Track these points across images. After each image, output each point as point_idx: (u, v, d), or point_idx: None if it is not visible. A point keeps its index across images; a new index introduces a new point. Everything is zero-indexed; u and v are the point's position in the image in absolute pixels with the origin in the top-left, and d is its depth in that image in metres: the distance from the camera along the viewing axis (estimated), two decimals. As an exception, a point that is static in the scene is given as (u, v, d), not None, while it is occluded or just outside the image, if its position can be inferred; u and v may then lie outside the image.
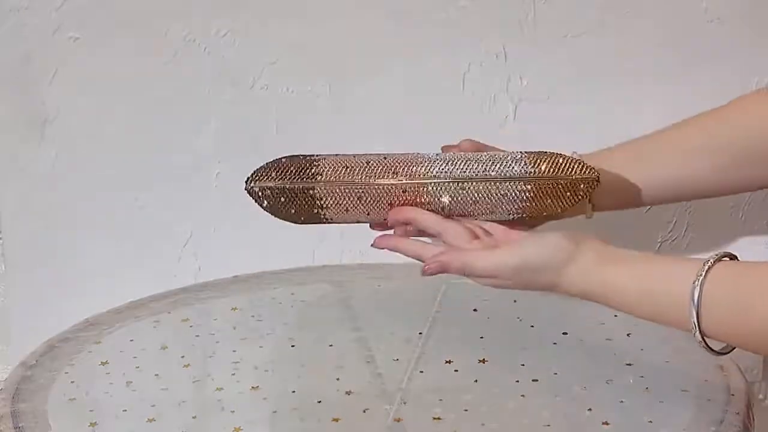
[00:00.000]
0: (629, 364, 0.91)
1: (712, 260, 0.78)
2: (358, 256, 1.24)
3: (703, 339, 0.78)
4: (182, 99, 1.27)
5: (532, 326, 1.00)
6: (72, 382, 0.90)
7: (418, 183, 0.94)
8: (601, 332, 0.97)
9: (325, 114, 1.28)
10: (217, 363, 0.94)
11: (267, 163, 0.97)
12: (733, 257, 0.80)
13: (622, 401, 0.84)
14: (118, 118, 1.27)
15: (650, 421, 0.81)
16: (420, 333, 0.99)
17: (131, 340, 0.99)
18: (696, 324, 0.77)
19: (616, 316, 1.01)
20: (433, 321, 1.02)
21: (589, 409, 0.83)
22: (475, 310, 1.04)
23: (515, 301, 1.06)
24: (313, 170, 0.94)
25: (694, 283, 0.77)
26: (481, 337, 0.97)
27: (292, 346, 0.97)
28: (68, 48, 1.24)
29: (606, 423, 0.81)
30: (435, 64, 1.27)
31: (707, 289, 0.77)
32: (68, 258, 1.31)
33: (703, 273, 0.77)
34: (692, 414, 0.82)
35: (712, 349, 0.80)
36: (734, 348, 0.81)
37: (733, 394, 0.84)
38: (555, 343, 0.96)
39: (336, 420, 0.82)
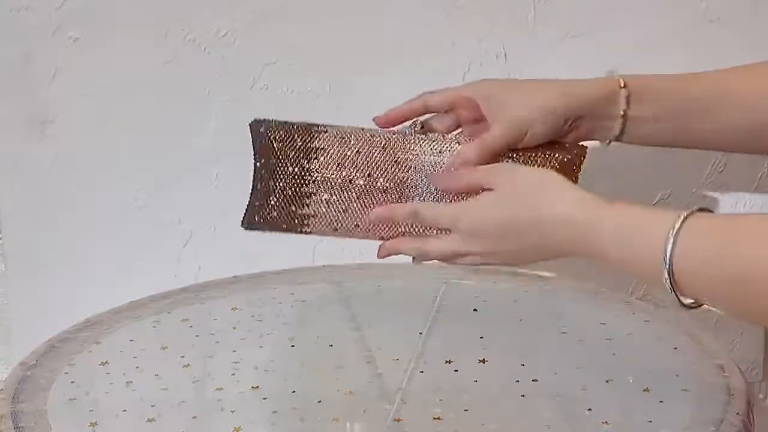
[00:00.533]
0: (629, 364, 0.91)
1: (688, 212, 0.78)
2: (358, 256, 1.24)
3: (672, 285, 0.78)
4: (182, 99, 1.27)
5: (532, 326, 1.00)
6: (72, 382, 0.90)
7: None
8: (601, 332, 0.97)
9: (325, 114, 1.27)
10: (217, 363, 0.94)
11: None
12: (708, 211, 0.80)
13: (622, 401, 0.84)
14: (118, 118, 1.27)
15: (650, 421, 0.81)
16: (420, 333, 0.99)
17: (131, 340, 0.99)
18: (668, 263, 0.77)
19: (616, 316, 1.01)
20: (433, 321, 1.02)
21: (589, 409, 0.83)
22: (475, 310, 1.04)
23: (515, 301, 1.06)
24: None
25: (669, 231, 0.78)
26: (481, 337, 0.97)
27: (292, 346, 0.97)
28: (68, 48, 1.24)
29: (606, 423, 0.81)
30: (435, 64, 1.27)
31: (682, 235, 0.77)
32: (68, 258, 1.31)
33: (680, 221, 0.78)
34: (692, 414, 0.82)
35: (679, 299, 0.79)
36: (701, 305, 0.80)
37: (733, 394, 0.84)
38: (555, 343, 0.96)
39: (336, 420, 0.82)
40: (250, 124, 0.99)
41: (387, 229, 0.96)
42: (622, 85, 0.97)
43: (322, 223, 0.97)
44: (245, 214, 0.99)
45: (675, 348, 0.93)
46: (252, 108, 1.27)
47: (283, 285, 1.13)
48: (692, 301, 0.80)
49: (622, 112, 0.97)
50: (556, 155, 0.97)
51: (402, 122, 0.99)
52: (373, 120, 0.99)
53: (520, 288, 1.09)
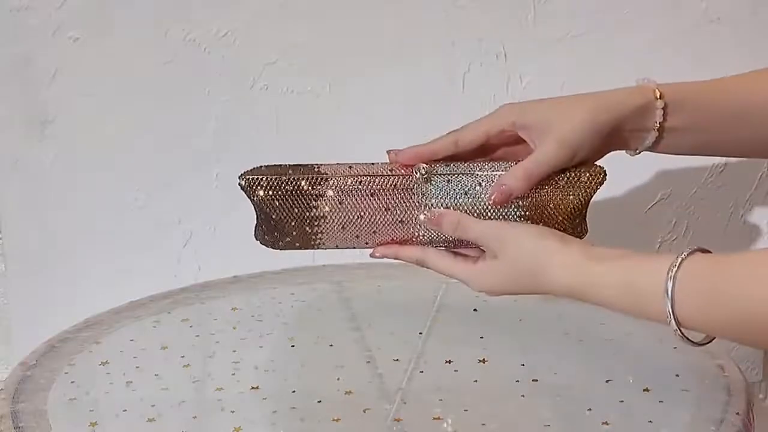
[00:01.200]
0: (629, 364, 0.91)
1: (685, 253, 0.78)
2: (358, 256, 1.24)
3: (680, 329, 0.78)
4: (182, 99, 1.27)
5: (532, 326, 1.00)
6: (72, 382, 0.90)
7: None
8: (601, 332, 0.97)
9: (325, 114, 1.28)
10: (217, 363, 0.94)
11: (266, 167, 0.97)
12: (706, 251, 0.79)
13: (622, 401, 0.84)
14: (118, 118, 1.27)
15: (650, 421, 0.81)
16: (420, 333, 0.99)
17: (131, 340, 0.99)
18: (671, 314, 0.77)
19: (616, 316, 1.01)
20: (433, 321, 1.02)
21: (589, 409, 0.83)
22: (475, 310, 1.04)
23: (515, 300, 1.06)
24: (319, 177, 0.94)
25: (668, 274, 0.77)
26: (481, 337, 0.97)
27: (292, 346, 0.97)
28: (68, 48, 1.24)
29: (606, 423, 0.81)
30: (435, 64, 1.27)
31: (680, 278, 0.77)
32: (68, 258, 1.31)
33: (677, 264, 0.77)
34: (692, 414, 0.82)
35: (690, 340, 0.79)
36: (713, 339, 0.81)
37: (733, 394, 0.84)
38: (555, 343, 0.96)
39: (336, 420, 0.82)
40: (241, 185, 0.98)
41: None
42: (658, 96, 0.92)
43: (332, 239, 0.96)
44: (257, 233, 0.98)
45: (675, 348, 0.93)
46: (252, 108, 1.27)
47: (283, 285, 1.13)
48: (704, 337, 0.80)
49: (657, 125, 0.93)
50: (581, 178, 0.93)
51: (428, 160, 0.93)
52: (389, 154, 0.95)
53: (520, 288, 1.09)
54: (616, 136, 0.93)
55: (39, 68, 1.25)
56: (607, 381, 0.88)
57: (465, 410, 0.83)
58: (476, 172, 0.92)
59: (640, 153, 0.97)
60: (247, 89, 1.27)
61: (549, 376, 0.89)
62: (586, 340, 0.96)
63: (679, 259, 0.77)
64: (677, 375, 0.88)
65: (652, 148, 0.96)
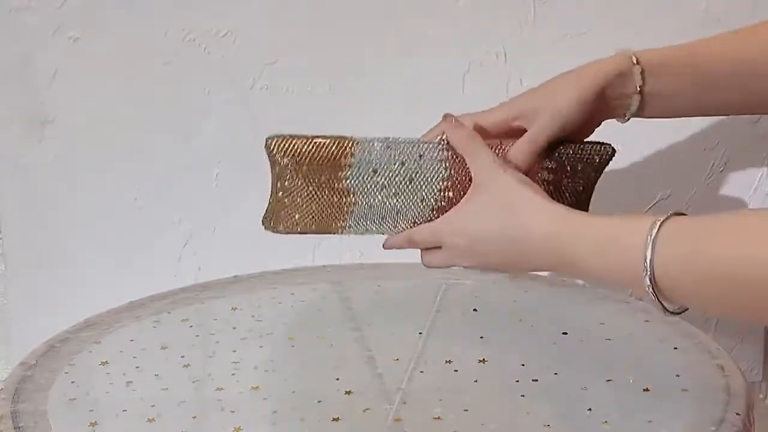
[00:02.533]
0: (629, 364, 0.91)
1: (669, 213, 0.78)
2: (358, 256, 1.24)
3: (654, 288, 0.77)
4: (182, 99, 1.27)
5: (532, 326, 1.00)
6: (72, 382, 0.90)
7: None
8: (601, 332, 0.97)
9: (325, 114, 1.28)
10: (217, 363, 0.94)
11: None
12: (684, 214, 0.80)
13: (622, 401, 0.84)
14: (118, 118, 1.27)
15: (650, 421, 0.81)
16: (420, 333, 0.99)
17: (131, 340, 0.99)
18: (648, 268, 0.77)
19: (616, 316, 1.01)
20: (433, 321, 1.02)
21: (589, 409, 0.83)
22: (475, 310, 1.04)
23: (515, 301, 1.06)
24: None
25: (649, 230, 0.77)
26: (481, 337, 0.97)
27: (292, 346, 0.97)
28: (68, 48, 1.24)
29: (606, 423, 0.81)
30: (435, 64, 1.27)
31: (662, 235, 0.77)
32: (68, 258, 1.31)
33: (660, 222, 0.77)
34: (692, 414, 0.82)
35: (663, 306, 0.79)
36: (686, 310, 0.80)
37: (733, 394, 0.84)
38: (555, 343, 0.96)
39: (336, 420, 0.82)
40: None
41: None
42: (635, 62, 0.97)
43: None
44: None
45: (675, 348, 0.93)
46: (252, 108, 1.27)
47: (283, 285, 1.13)
48: (677, 306, 0.80)
49: (638, 89, 0.97)
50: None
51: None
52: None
53: (520, 288, 1.09)
54: (602, 103, 0.97)
55: (39, 68, 1.25)
56: (607, 381, 0.88)
57: (465, 410, 0.83)
58: None
59: (629, 119, 0.99)
60: (247, 89, 1.27)
61: (549, 376, 0.89)
62: (586, 340, 0.96)
63: (659, 222, 0.77)
64: (677, 375, 0.88)
65: (640, 114, 0.99)
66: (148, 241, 1.31)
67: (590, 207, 1.00)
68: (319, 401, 0.85)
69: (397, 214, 0.97)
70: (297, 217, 0.97)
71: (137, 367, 0.92)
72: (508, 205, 0.88)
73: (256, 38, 1.25)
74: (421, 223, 0.97)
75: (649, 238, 0.77)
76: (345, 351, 0.95)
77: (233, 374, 0.91)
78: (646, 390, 0.86)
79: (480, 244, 0.90)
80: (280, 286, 1.13)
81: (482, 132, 0.97)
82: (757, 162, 1.34)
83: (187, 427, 0.82)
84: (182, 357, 0.94)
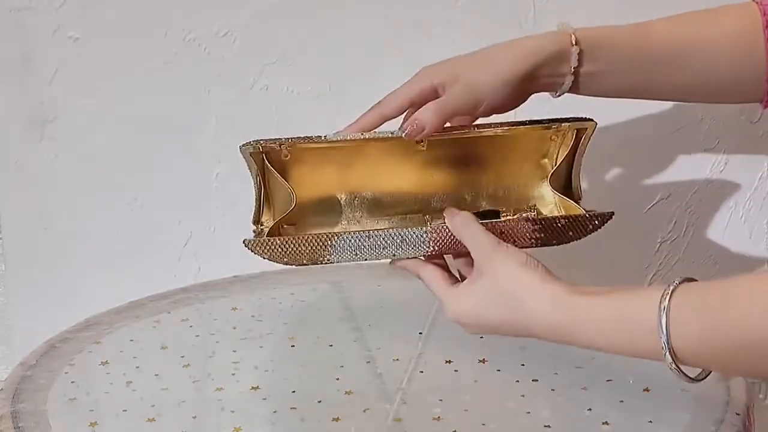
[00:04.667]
0: (629, 364, 0.90)
1: (676, 281, 0.75)
2: (358, 256, 1.24)
3: (675, 362, 0.75)
4: (182, 99, 1.27)
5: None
6: (72, 382, 0.90)
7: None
8: (601, 332, 0.97)
9: (325, 114, 1.28)
10: (217, 363, 0.94)
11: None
12: (693, 280, 0.77)
13: (622, 401, 0.84)
14: (118, 118, 1.27)
15: (650, 421, 0.81)
16: (420, 333, 0.99)
17: (131, 340, 0.99)
18: (666, 345, 0.74)
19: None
20: (433, 321, 1.02)
21: (589, 409, 0.83)
22: (475, 310, 1.04)
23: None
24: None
25: (660, 303, 0.74)
26: (481, 337, 0.97)
27: (292, 346, 0.97)
28: (68, 48, 1.24)
29: (606, 423, 0.81)
30: (435, 64, 1.27)
31: (674, 306, 0.74)
32: (68, 258, 1.31)
33: (669, 293, 0.74)
34: (692, 414, 0.82)
35: (687, 375, 0.77)
36: (710, 373, 0.78)
37: (733, 394, 0.84)
38: (555, 344, 0.96)
39: (336, 420, 0.82)
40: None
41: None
42: (574, 42, 0.96)
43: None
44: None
45: (675, 348, 0.93)
46: (252, 108, 1.27)
47: (283, 285, 1.13)
48: (700, 371, 0.78)
49: (573, 69, 0.96)
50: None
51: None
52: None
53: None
54: (533, 81, 0.96)
55: (39, 68, 1.25)
56: (607, 381, 0.88)
57: (465, 410, 0.83)
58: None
59: (560, 96, 0.99)
60: (247, 89, 1.27)
61: (549, 376, 0.89)
62: (586, 340, 0.96)
63: (671, 288, 0.75)
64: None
65: (572, 92, 0.98)
66: (148, 241, 1.31)
67: (586, 208, 0.99)
68: (319, 401, 0.85)
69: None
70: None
71: (137, 367, 0.92)
72: (508, 294, 0.84)
73: (256, 38, 1.25)
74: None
75: (662, 317, 0.74)
76: (345, 351, 0.95)
77: (233, 374, 0.91)
78: (646, 390, 0.86)
79: (486, 329, 0.86)
80: (280, 286, 1.13)
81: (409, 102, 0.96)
82: (757, 162, 1.34)
83: (187, 427, 0.82)
84: (182, 357, 0.94)
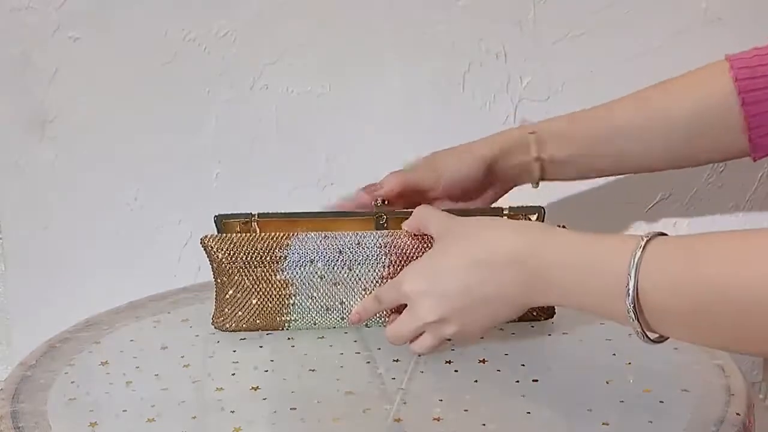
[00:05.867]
0: (629, 364, 0.91)
1: (650, 234, 0.74)
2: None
3: (636, 313, 0.74)
4: (182, 99, 1.27)
5: (532, 326, 1.00)
6: (72, 382, 0.90)
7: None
8: (601, 332, 0.97)
9: (325, 114, 1.28)
10: (217, 363, 0.94)
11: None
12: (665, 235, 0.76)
13: (622, 401, 0.84)
14: (118, 118, 1.27)
15: (650, 421, 0.81)
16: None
17: (131, 340, 0.99)
18: (632, 301, 0.73)
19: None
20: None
21: (589, 409, 0.83)
22: (475, 310, 1.04)
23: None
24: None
25: (632, 253, 0.73)
26: (481, 337, 0.97)
27: (292, 346, 0.97)
28: (68, 48, 1.24)
29: (606, 423, 0.81)
30: (435, 64, 1.27)
31: (646, 258, 0.73)
32: (68, 258, 1.31)
33: (642, 245, 0.73)
34: (692, 414, 0.82)
35: (645, 334, 0.76)
36: (667, 338, 0.77)
37: (733, 394, 0.84)
38: (555, 343, 0.96)
39: (336, 420, 0.82)
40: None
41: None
42: (530, 132, 1.04)
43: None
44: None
45: (675, 348, 0.93)
46: (252, 108, 1.27)
47: (283, 285, 1.13)
48: (658, 335, 0.77)
49: (536, 156, 1.03)
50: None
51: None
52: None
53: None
54: (504, 171, 1.04)
55: (39, 68, 1.25)
56: (607, 381, 0.88)
57: (465, 410, 0.83)
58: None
59: (538, 185, 1.06)
60: (247, 89, 1.27)
61: (549, 376, 0.89)
62: (586, 340, 0.96)
63: (644, 240, 0.74)
64: (677, 375, 0.88)
65: (546, 178, 1.05)
66: (148, 241, 1.31)
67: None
68: (319, 401, 0.85)
69: (341, 305, 0.98)
70: (240, 313, 0.98)
71: (137, 367, 0.92)
72: (469, 235, 0.84)
73: (256, 38, 1.25)
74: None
75: (632, 261, 0.73)
76: (345, 351, 0.95)
77: (233, 374, 0.91)
78: (646, 390, 0.86)
79: (442, 280, 0.84)
80: (280, 286, 1.13)
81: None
82: (757, 162, 1.34)
83: (187, 427, 0.82)
84: (182, 357, 0.94)
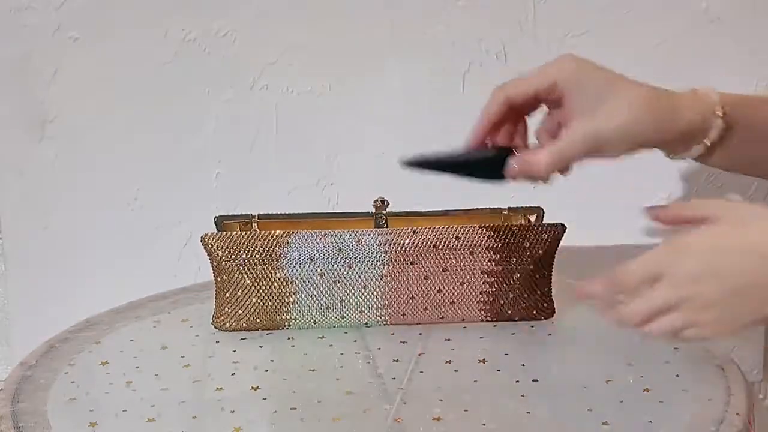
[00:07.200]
0: (629, 364, 0.91)
1: None
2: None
3: None
4: (182, 99, 1.27)
5: (532, 326, 1.00)
6: (72, 382, 0.90)
7: None
8: (602, 332, 0.97)
9: (325, 114, 1.28)
10: (217, 363, 0.94)
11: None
12: None
13: (622, 401, 0.84)
14: (118, 118, 1.27)
15: (650, 421, 0.81)
16: (420, 333, 0.99)
17: (131, 340, 0.99)
18: None
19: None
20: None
21: (589, 409, 0.83)
22: (475, 310, 1.04)
23: (515, 301, 1.06)
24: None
25: None
26: (481, 338, 0.97)
27: (292, 346, 0.97)
28: (68, 48, 1.24)
29: (606, 423, 0.81)
30: (435, 64, 1.27)
31: None
32: (68, 258, 1.31)
33: None
34: (692, 414, 0.82)
35: None
36: None
37: (733, 394, 0.84)
38: (555, 343, 0.96)
39: (336, 420, 0.82)
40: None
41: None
42: (721, 115, 0.86)
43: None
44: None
45: (675, 348, 0.93)
46: (252, 108, 1.27)
47: (283, 285, 1.13)
48: None
49: (709, 143, 0.88)
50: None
51: (491, 134, 0.90)
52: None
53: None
54: (659, 141, 0.89)
55: (39, 68, 1.25)
56: (607, 381, 0.88)
57: (465, 410, 0.83)
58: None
59: (674, 158, 0.92)
60: (247, 89, 1.27)
61: (549, 376, 0.89)
62: (586, 340, 0.96)
63: None
64: (677, 375, 0.88)
65: (698, 161, 0.91)
66: (148, 241, 1.31)
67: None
68: (319, 401, 0.85)
69: (341, 303, 0.98)
70: (240, 312, 0.98)
71: (137, 367, 0.92)
72: (746, 222, 0.76)
73: (256, 38, 1.25)
74: (369, 312, 0.98)
75: None
76: (345, 351, 0.95)
77: (233, 374, 0.91)
78: (646, 390, 0.86)
79: (717, 260, 0.76)
80: (280, 286, 1.13)
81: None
82: (757, 162, 1.34)
83: (187, 427, 0.82)
84: (182, 357, 0.94)
